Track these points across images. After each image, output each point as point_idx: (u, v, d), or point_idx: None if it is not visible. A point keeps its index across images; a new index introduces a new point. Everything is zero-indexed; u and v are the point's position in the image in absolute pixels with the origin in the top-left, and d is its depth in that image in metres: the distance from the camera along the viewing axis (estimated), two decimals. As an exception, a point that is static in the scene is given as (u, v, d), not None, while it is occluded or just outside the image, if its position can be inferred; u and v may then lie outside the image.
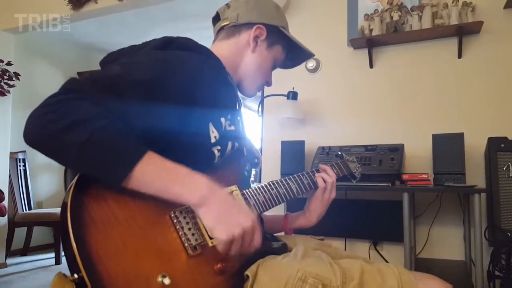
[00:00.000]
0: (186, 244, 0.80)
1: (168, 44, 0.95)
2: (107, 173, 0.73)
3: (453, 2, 2.35)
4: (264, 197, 1.05)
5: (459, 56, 2.40)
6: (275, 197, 1.08)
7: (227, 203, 0.80)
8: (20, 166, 4.12)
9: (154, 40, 0.97)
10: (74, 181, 0.74)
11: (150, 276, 0.71)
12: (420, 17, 2.43)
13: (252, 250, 0.81)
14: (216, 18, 1.15)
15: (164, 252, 0.76)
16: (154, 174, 0.75)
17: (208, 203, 0.77)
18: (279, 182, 1.11)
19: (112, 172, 0.73)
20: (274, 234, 1.22)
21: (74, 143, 0.70)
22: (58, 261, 3.76)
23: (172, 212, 0.82)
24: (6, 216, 3.59)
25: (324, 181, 1.15)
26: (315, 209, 1.17)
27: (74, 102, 0.72)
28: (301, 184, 1.15)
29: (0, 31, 3.77)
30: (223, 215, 0.78)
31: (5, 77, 3.59)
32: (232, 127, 1.02)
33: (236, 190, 0.97)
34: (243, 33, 1.09)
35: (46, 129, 0.70)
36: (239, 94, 1.17)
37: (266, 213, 1.11)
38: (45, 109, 0.71)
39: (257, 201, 1.04)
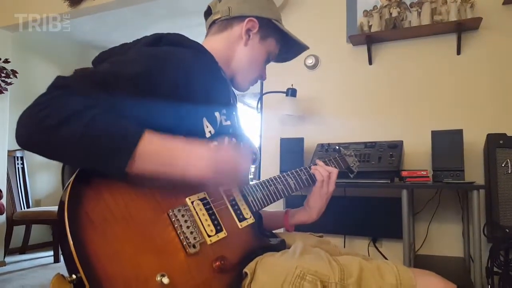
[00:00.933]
0: (184, 243, 0.79)
1: (158, 40, 0.94)
2: (109, 160, 0.72)
3: (452, -2, 2.34)
4: (262, 193, 1.05)
5: (458, 52, 2.39)
6: (273, 193, 1.08)
7: (229, 167, 0.85)
8: (18, 164, 4.11)
9: (145, 37, 0.96)
10: (71, 179, 0.73)
11: (149, 276, 0.71)
12: (419, 13, 2.42)
13: None
14: (208, 13, 1.15)
15: (162, 251, 0.76)
16: (156, 152, 0.76)
17: (212, 177, 0.81)
18: (277, 178, 1.11)
19: (115, 158, 0.72)
20: (275, 230, 1.22)
21: (71, 136, 0.69)
22: (56, 259, 3.76)
23: (170, 210, 0.82)
24: (5, 214, 3.59)
25: (322, 175, 1.15)
26: (315, 204, 1.17)
27: (64, 97, 0.71)
28: (299, 180, 1.14)
29: (-2, 29, 3.76)
30: (228, 181, 0.90)
31: (3, 75, 3.58)
32: (228, 122, 1.02)
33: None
34: (235, 27, 1.09)
35: (39, 127, 0.68)
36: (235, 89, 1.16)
37: (266, 209, 1.11)
38: (36, 108, 0.70)
39: (255, 198, 1.03)
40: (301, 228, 1.23)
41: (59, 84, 0.74)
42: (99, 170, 0.74)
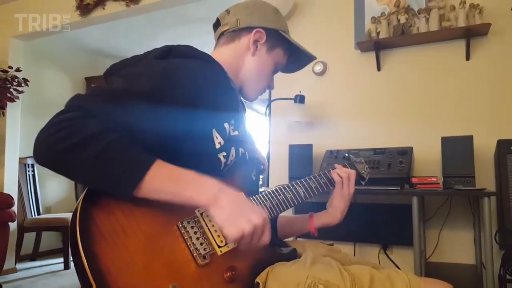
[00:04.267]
0: (195, 254, 0.80)
1: (168, 52, 0.96)
2: (118, 185, 0.74)
3: (460, 4, 2.33)
4: (271, 202, 1.05)
5: (467, 58, 2.38)
6: (282, 203, 1.08)
7: (238, 201, 0.82)
8: (29, 171, 4.16)
9: (155, 49, 0.98)
10: (82, 195, 0.75)
11: (160, 287, 0.71)
12: (427, 20, 2.42)
13: (260, 246, 0.82)
14: (217, 24, 1.16)
15: (173, 263, 0.77)
16: (164, 181, 0.77)
17: (219, 202, 0.79)
18: (286, 187, 1.11)
19: (123, 183, 0.74)
20: (286, 239, 1.22)
21: (84, 159, 0.71)
22: (67, 266, 3.78)
23: (179, 222, 0.83)
24: (16, 221, 3.62)
25: (340, 176, 1.19)
26: (338, 205, 1.20)
27: (80, 119, 0.73)
28: (308, 188, 1.15)
29: (10, 38, 3.82)
30: (233, 213, 0.79)
31: (15, 83, 3.63)
32: (236, 132, 1.03)
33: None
34: (243, 38, 1.10)
35: (55, 149, 0.71)
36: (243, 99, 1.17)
37: (288, 214, 1.12)
38: (52, 128, 0.71)
39: (264, 208, 1.03)
40: (311, 236, 1.23)
41: (74, 104, 0.76)
42: (107, 192, 0.76)
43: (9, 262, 3.53)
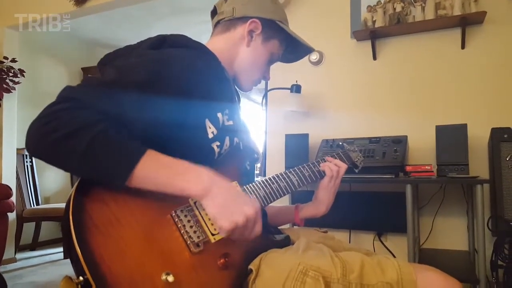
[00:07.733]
0: (188, 242, 0.81)
1: (161, 42, 0.95)
2: (110, 174, 0.74)
3: (456, -8, 2.33)
4: (265, 191, 1.05)
5: (463, 46, 2.38)
6: (275, 191, 1.08)
7: (230, 192, 0.81)
8: (27, 162, 4.16)
9: (148, 39, 0.97)
10: (75, 185, 0.76)
11: (154, 275, 0.73)
12: (423, 8, 2.42)
13: (252, 238, 0.83)
14: (214, 12, 1.16)
15: (167, 250, 0.78)
16: (156, 170, 0.77)
17: (211, 193, 0.78)
18: (280, 176, 1.11)
19: (115, 173, 0.74)
20: (280, 226, 1.23)
21: (75, 150, 0.71)
22: (66, 256, 3.81)
23: (173, 211, 0.83)
24: (15, 211, 3.64)
25: (331, 170, 1.18)
26: (323, 198, 1.20)
27: (72, 110, 0.73)
28: (301, 177, 1.15)
29: (5, 29, 3.79)
30: (226, 204, 0.79)
31: (10, 74, 3.61)
32: (231, 122, 1.03)
33: (237, 186, 0.98)
34: (238, 27, 1.09)
35: (46, 140, 0.71)
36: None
37: (276, 204, 1.13)
38: (44, 119, 0.72)
39: (258, 196, 1.04)
40: (306, 223, 1.25)
41: (67, 95, 0.76)
42: (99, 181, 0.76)
43: (8, 252, 3.55)
